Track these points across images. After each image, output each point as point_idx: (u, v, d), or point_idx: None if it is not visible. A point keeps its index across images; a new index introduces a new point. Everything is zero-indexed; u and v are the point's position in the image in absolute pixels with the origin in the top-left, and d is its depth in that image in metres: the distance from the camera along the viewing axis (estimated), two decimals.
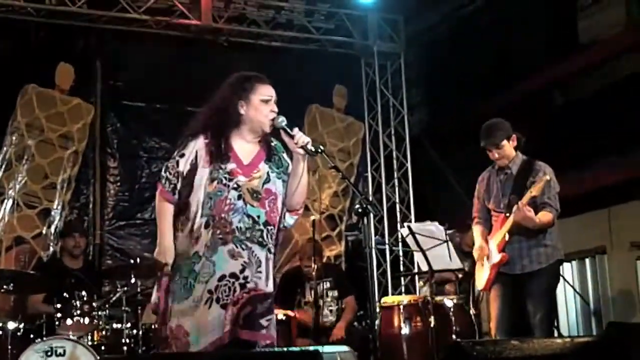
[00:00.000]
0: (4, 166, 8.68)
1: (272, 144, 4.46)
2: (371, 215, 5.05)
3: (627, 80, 8.94)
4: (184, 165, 4.32)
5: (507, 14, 10.50)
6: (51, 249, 8.68)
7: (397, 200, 10.35)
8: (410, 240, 6.40)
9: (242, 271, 4.17)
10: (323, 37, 10.17)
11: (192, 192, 4.27)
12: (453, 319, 6.54)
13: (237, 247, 4.18)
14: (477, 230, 5.95)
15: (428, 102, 11.69)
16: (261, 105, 4.34)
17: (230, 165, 4.26)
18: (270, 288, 4.24)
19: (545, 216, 5.58)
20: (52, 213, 8.81)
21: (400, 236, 9.37)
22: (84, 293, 6.78)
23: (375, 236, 9.99)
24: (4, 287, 6.64)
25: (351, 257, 10.10)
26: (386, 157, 10.49)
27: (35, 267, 8.26)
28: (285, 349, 3.28)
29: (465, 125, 9.33)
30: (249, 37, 9.91)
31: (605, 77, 9.22)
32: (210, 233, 4.20)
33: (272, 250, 4.28)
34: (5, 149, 8.72)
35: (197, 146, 4.32)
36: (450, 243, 6.36)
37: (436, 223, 6.88)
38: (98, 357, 6.18)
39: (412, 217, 10.04)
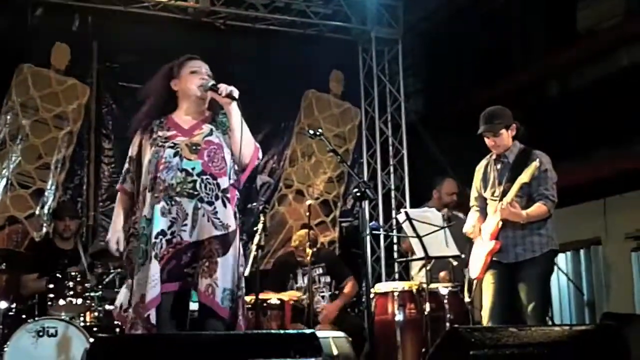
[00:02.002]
0: None
1: (219, 117, 4.62)
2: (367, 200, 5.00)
3: (625, 70, 8.94)
4: (132, 150, 4.62)
5: (506, 2, 10.48)
6: (44, 229, 8.65)
7: (392, 186, 10.33)
8: (407, 226, 6.37)
9: (169, 227, 4.28)
10: (321, 22, 10.11)
11: (141, 171, 4.49)
12: (447, 306, 6.52)
13: (167, 204, 4.29)
14: (472, 215, 5.94)
15: (425, 89, 11.67)
16: (190, 75, 4.56)
17: (169, 133, 4.46)
18: (198, 237, 4.30)
19: (538, 209, 5.54)
20: (46, 193, 8.77)
21: (395, 222, 9.36)
22: (76, 274, 6.76)
23: (370, 222, 9.95)
24: None
25: (345, 243, 10.09)
26: (382, 143, 10.46)
27: (28, 248, 8.25)
28: (282, 331, 3.26)
29: (462, 112, 9.33)
30: (247, 20, 9.84)
31: (603, 68, 9.22)
32: (150, 195, 4.34)
33: (208, 199, 4.32)
34: None
35: (139, 133, 4.60)
36: (447, 230, 6.33)
37: (433, 209, 6.85)
38: (90, 338, 6.17)
39: (407, 204, 10.01)
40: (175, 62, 4.66)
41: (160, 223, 4.27)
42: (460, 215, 7.61)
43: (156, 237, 4.26)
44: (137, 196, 4.52)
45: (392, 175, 10.38)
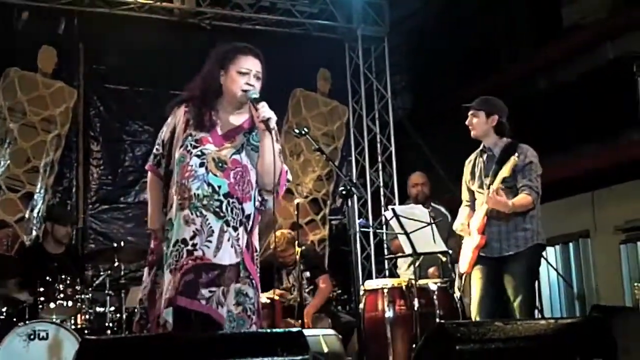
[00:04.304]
0: None
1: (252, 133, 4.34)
2: (355, 198, 5.03)
3: (610, 64, 8.96)
4: (165, 133, 4.36)
5: None
6: (34, 233, 8.65)
7: (381, 184, 10.36)
8: (394, 222, 6.39)
9: (192, 238, 4.06)
10: (307, 21, 10.13)
11: (171, 161, 4.27)
12: (437, 302, 6.53)
13: (191, 213, 4.08)
14: (462, 211, 5.96)
15: (412, 87, 11.70)
16: (237, 76, 4.27)
17: (202, 134, 4.20)
18: (221, 260, 4.07)
19: (522, 199, 5.56)
20: (35, 197, 8.77)
21: (384, 219, 9.39)
22: (67, 277, 6.77)
23: (359, 219, 9.96)
24: None
25: (335, 241, 10.11)
26: (370, 141, 10.49)
27: (18, 251, 8.24)
28: (268, 330, 3.28)
29: (449, 109, 9.32)
30: (233, 20, 9.85)
31: (589, 62, 9.25)
32: (176, 199, 4.15)
33: (233, 224, 4.13)
34: None
35: (179, 114, 4.33)
36: (434, 226, 6.35)
37: (420, 206, 6.87)
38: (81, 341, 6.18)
39: (396, 200, 10.04)
40: (229, 51, 4.36)
41: (181, 231, 4.08)
42: (442, 209, 7.67)
43: (174, 245, 4.08)
44: (166, 184, 4.30)
45: (380, 173, 10.41)
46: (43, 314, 6.62)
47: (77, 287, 6.79)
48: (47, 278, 6.75)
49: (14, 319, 6.70)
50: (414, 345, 6.20)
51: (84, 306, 6.85)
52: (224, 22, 9.76)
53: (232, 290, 4.11)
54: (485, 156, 5.82)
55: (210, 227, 4.08)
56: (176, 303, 4.01)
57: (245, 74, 4.28)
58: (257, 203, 4.27)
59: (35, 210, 8.75)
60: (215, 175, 4.13)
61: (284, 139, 10.08)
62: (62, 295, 6.68)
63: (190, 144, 4.17)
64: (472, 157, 5.99)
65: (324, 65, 10.54)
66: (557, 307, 9.73)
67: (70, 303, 6.70)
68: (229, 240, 4.11)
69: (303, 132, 4.68)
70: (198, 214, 4.08)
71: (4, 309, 6.80)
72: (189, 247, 4.05)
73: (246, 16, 9.86)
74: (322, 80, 10.54)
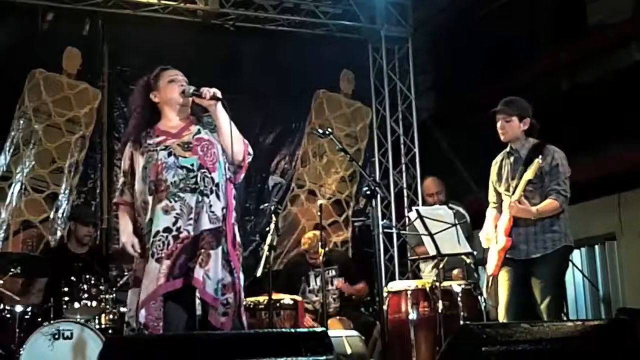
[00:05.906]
0: (11, 150, 8.69)
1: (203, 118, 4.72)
2: (378, 198, 5.02)
3: (635, 64, 8.89)
4: (125, 164, 4.73)
5: None
6: (58, 233, 8.69)
7: (405, 185, 10.32)
8: (418, 224, 6.36)
9: (174, 223, 4.39)
10: (330, 22, 10.11)
11: (135, 179, 4.61)
12: (461, 304, 6.50)
13: (170, 201, 4.41)
14: (490, 214, 5.91)
15: (435, 87, 11.65)
16: (169, 85, 4.68)
17: (158, 138, 4.58)
18: (198, 230, 4.41)
19: (548, 204, 5.51)
20: (60, 197, 8.81)
21: (407, 220, 9.35)
22: (91, 277, 6.80)
23: (382, 220, 9.92)
24: (12, 270, 6.69)
25: (358, 243, 10.09)
26: (393, 142, 10.45)
27: (43, 252, 8.28)
28: (292, 329, 3.27)
29: (473, 109, 9.29)
30: (256, 21, 9.85)
31: (613, 62, 9.17)
32: (152, 198, 4.46)
33: (206, 192, 4.45)
34: (12, 133, 8.71)
35: (128, 145, 4.71)
36: (459, 227, 6.31)
37: (445, 207, 6.82)
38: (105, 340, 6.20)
39: (420, 202, 9.99)
40: (151, 75, 4.78)
41: (162, 221, 4.38)
42: (461, 209, 7.63)
43: (155, 236, 4.38)
44: (134, 204, 4.63)
45: (404, 174, 10.36)
46: (67, 314, 6.66)
47: (101, 287, 6.83)
48: (72, 278, 6.79)
49: (39, 319, 6.74)
50: (437, 348, 6.17)
51: (107, 306, 6.88)
52: (247, 23, 9.77)
53: (214, 259, 4.39)
54: (512, 158, 5.75)
55: (189, 205, 4.41)
56: (175, 287, 4.37)
57: (175, 80, 4.69)
58: (227, 175, 4.59)
59: (60, 211, 8.79)
60: (185, 157, 4.49)
61: (307, 139, 10.09)
62: (86, 295, 6.73)
63: (152, 147, 4.54)
64: (499, 158, 5.92)
65: (347, 66, 10.52)
66: (583, 310, 9.66)
67: (94, 303, 6.74)
68: (203, 207, 4.44)
69: (327, 133, 4.70)
70: (176, 199, 4.41)
71: (29, 309, 6.84)
72: (174, 233, 4.38)
73: (269, 17, 9.86)
74: (345, 81, 10.52)
